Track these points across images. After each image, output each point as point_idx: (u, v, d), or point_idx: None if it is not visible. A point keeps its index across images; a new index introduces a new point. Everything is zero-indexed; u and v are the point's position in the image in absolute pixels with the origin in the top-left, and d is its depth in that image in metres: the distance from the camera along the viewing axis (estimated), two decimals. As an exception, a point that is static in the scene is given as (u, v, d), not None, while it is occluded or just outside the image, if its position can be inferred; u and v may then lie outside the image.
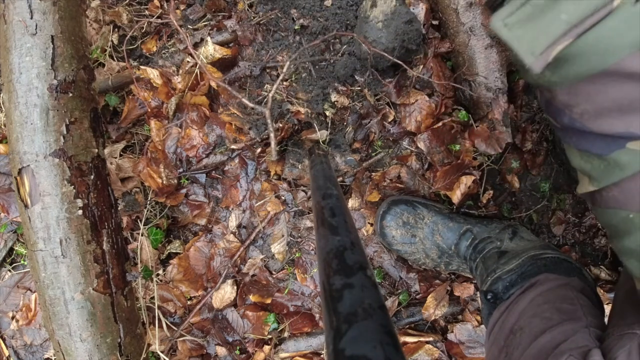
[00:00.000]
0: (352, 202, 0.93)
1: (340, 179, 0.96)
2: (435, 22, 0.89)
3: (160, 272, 0.97)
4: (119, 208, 0.86)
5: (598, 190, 0.39)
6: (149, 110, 0.98)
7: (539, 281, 0.62)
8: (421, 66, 0.91)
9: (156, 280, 0.96)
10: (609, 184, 0.37)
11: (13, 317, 1.02)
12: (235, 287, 0.97)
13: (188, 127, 0.97)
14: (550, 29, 0.31)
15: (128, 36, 0.96)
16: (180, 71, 0.97)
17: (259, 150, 0.95)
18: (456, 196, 0.88)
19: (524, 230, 0.81)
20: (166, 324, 0.94)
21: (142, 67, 0.97)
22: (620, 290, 0.53)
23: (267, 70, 0.97)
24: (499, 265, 0.71)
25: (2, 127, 1.03)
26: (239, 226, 0.99)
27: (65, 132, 0.73)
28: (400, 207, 0.85)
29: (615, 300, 0.54)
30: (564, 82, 0.34)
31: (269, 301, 0.96)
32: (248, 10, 0.97)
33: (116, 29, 1.02)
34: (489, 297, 0.66)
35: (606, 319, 0.55)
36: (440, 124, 0.90)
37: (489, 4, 0.37)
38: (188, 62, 0.96)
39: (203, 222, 1.00)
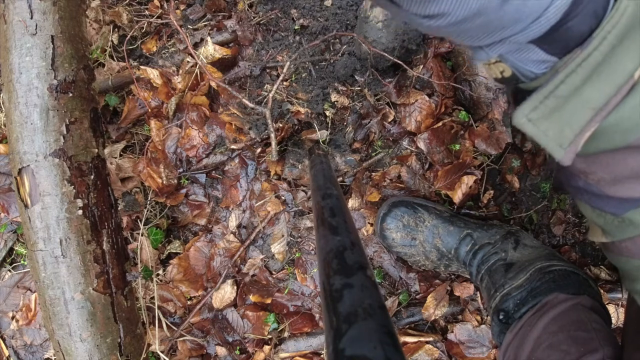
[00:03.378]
0: (352, 202, 0.93)
1: (340, 179, 0.96)
2: (435, 22, 0.89)
3: (160, 272, 0.97)
4: (119, 208, 0.86)
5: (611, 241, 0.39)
6: (149, 110, 0.98)
7: (549, 302, 0.63)
8: (421, 66, 0.91)
9: (156, 280, 0.96)
10: (623, 239, 0.37)
11: (13, 317, 1.02)
12: (235, 287, 0.97)
13: (188, 127, 0.97)
14: (575, 118, 0.30)
15: (128, 36, 0.96)
16: (180, 71, 0.97)
17: (259, 150, 0.95)
18: (457, 196, 0.88)
19: (525, 235, 0.81)
20: (166, 324, 0.94)
21: (142, 67, 0.97)
22: (630, 320, 0.54)
23: (267, 70, 0.97)
24: (506, 280, 0.71)
25: (2, 127, 1.03)
26: (239, 226, 0.99)
27: (65, 132, 0.73)
28: (400, 210, 0.85)
29: (627, 327, 0.55)
30: (582, 153, 0.33)
31: (269, 301, 0.96)
32: (248, 10, 0.97)
33: (116, 29, 1.02)
34: (500, 317, 0.67)
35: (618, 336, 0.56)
36: (440, 124, 0.90)
37: (513, 97, 0.36)
38: (188, 62, 0.96)
39: (203, 222, 0.99)
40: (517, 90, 0.34)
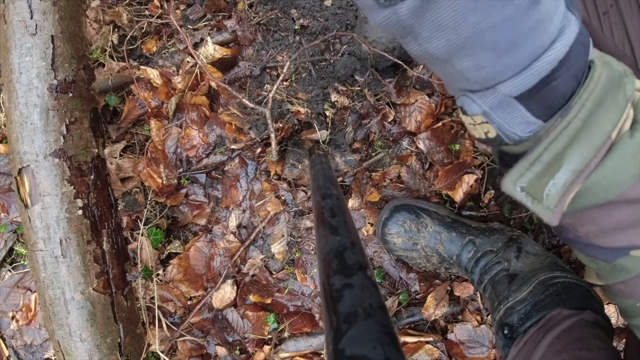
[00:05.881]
0: (352, 202, 0.93)
1: (340, 179, 0.96)
2: (435, 22, 0.89)
3: (160, 272, 0.97)
4: (119, 208, 0.86)
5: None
6: (149, 110, 0.98)
7: (553, 318, 0.63)
8: (421, 66, 0.91)
9: (156, 280, 0.96)
10: (615, 282, 0.39)
11: (13, 317, 1.02)
12: (235, 287, 0.97)
13: (188, 127, 0.97)
14: (559, 181, 0.31)
15: (128, 36, 0.96)
16: (180, 71, 0.97)
17: (259, 150, 0.95)
18: (458, 195, 0.88)
19: (527, 241, 0.81)
20: (166, 324, 0.94)
21: (142, 67, 0.97)
22: (631, 345, 0.55)
23: (267, 70, 0.97)
24: (510, 293, 0.72)
25: (2, 127, 1.03)
26: (239, 226, 0.99)
27: (65, 132, 0.73)
28: (402, 215, 0.85)
29: (628, 346, 0.55)
30: (569, 211, 0.34)
31: (269, 301, 0.96)
32: (248, 10, 0.97)
33: (116, 29, 1.02)
34: (505, 332, 0.68)
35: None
36: (440, 123, 0.90)
37: (499, 159, 0.38)
38: (188, 62, 0.96)
39: (203, 222, 0.99)
40: (504, 154, 0.37)
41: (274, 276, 0.98)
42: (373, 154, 0.95)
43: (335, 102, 0.92)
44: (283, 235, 0.96)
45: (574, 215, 0.35)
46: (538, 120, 0.32)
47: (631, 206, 0.33)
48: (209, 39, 0.94)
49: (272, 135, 0.86)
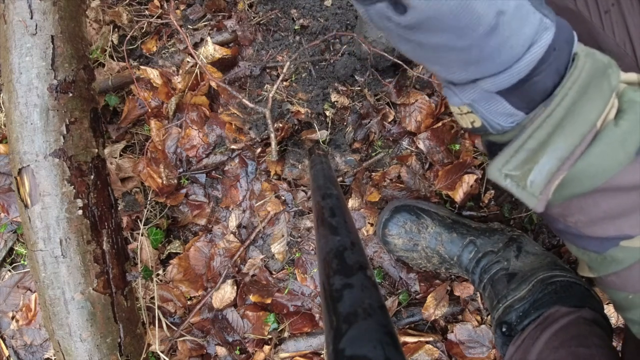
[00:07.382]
0: (352, 202, 0.93)
1: (340, 179, 0.96)
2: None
3: (160, 272, 0.97)
4: (119, 208, 0.86)
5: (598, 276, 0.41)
6: (149, 110, 0.98)
7: (551, 316, 0.64)
8: (421, 66, 0.91)
9: (156, 280, 0.96)
10: (607, 274, 0.39)
11: (13, 317, 1.02)
12: (235, 287, 0.97)
13: (188, 127, 0.97)
14: (545, 167, 0.32)
15: (128, 36, 0.96)
16: (180, 71, 0.97)
17: (259, 150, 0.95)
18: (459, 195, 0.88)
19: (527, 241, 0.81)
20: (166, 324, 0.94)
21: (142, 67, 0.97)
22: (629, 338, 0.55)
23: (267, 70, 0.97)
24: (509, 291, 0.72)
25: (2, 127, 1.03)
26: (239, 226, 0.99)
27: (65, 132, 0.73)
28: (403, 216, 0.85)
29: (626, 345, 0.55)
30: (557, 200, 0.35)
31: (269, 301, 0.96)
32: (248, 10, 0.97)
33: (116, 29, 1.02)
34: (504, 329, 0.68)
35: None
36: (440, 123, 0.90)
37: (487, 149, 0.39)
38: (188, 62, 0.96)
39: (203, 222, 0.99)
40: (491, 143, 0.37)
41: (274, 276, 0.98)
42: (373, 154, 0.95)
43: (335, 102, 0.92)
44: (283, 235, 0.96)
45: (563, 204, 0.35)
46: (520, 112, 0.33)
47: (619, 194, 0.33)
48: (209, 39, 0.94)
49: (272, 135, 0.86)
